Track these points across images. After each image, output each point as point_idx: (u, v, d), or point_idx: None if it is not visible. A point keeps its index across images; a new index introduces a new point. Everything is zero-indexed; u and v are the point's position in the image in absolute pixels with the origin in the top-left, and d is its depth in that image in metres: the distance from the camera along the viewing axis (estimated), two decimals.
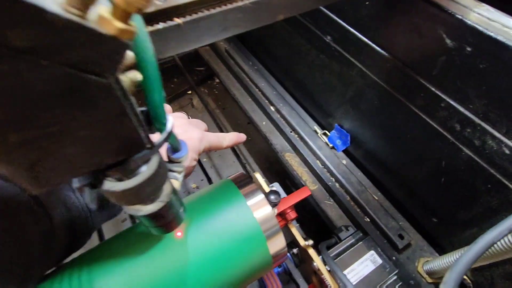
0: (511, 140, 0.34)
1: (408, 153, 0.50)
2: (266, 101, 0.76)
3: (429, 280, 0.49)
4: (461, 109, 0.38)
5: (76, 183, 0.15)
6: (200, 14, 0.20)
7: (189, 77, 0.83)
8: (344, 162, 0.64)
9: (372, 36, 0.46)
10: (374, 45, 0.46)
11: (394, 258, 0.51)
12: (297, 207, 0.45)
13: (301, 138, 0.68)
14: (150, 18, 0.19)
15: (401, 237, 0.53)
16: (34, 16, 0.08)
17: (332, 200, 0.62)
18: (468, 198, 0.43)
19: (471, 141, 0.38)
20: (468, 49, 0.34)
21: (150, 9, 0.18)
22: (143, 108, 0.17)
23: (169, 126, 0.18)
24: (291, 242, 0.46)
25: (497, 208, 0.40)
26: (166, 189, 0.21)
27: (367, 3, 0.44)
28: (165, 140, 0.18)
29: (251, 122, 0.78)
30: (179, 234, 0.30)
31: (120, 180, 0.17)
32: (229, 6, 0.21)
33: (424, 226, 0.54)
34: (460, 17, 0.33)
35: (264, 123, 0.75)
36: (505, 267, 0.42)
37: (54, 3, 0.09)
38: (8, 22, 0.08)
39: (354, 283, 0.37)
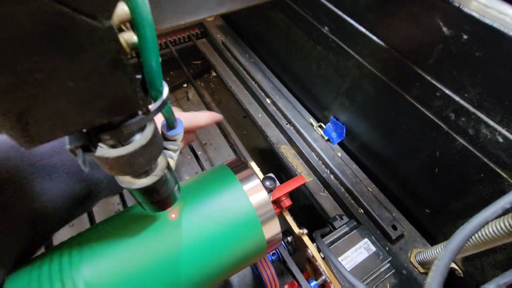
0: (504, 128, 0.35)
1: (403, 145, 0.51)
2: (263, 93, 0.76)
3: (421, 270, 0.50)
4: (456, 98, 0.38)
5: (68, 144, 0.15)
6: None
7: (185, 70, 0.82)
8: (339, 154, 0.64)
9: (370, 26, 0.46)
10: (371, 35, 0.46)
11: (387, 248, 0.51)
12: (293, 199, 0.45)
13: (297, 131, 0.68)
14: None
15: (394, 228, 0.53)
16: None
17: (326, 192, 0.62)
18: (461, 188, 0.43)
19: (466, 130, 0.39)
20: (465, 37, 0.34)
21: None
22: (138, 76, 0.17)
23: (165, 93, 0.18)
24: (286, 231, 0.46)
25: (489, 198, 0.40)
26: (161, 163, 0.21)
27: None
28: (161, 107, 0.17)
29: (247, 115, 0.77)
30: (173, 215, 0.30)
31: (113, 147, 0.17)
32: None
33: (418, 217, 0.55)
34: (457, 5, 0.34)
35: (260, 115, 0.75)
36: (495, 255, 0.43)
37: None
38: None
39: (348, 269, 0.37)
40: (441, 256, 0.22)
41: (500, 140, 0.35)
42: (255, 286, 0.65)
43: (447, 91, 0.39)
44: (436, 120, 0.42)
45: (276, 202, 0.42)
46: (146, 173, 0.20)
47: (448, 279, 0.48)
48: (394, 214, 0.55)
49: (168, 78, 1.12)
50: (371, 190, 0.59)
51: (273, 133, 0.71)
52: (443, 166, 0.44)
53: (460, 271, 0.50)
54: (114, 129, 0.15)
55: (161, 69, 0.16)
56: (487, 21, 0.31)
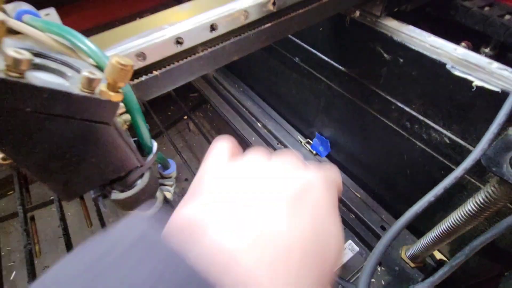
0: (448, 131, 0.41)
1: (378, 152, 0.57)
2: (254, 118, 0.83)
3: (412, 265, 0.54)
4: (407, 109, 0.44)
5: (92, 194, 0.22)
6: (172, 66, 0.28)
7: (182, 105, 0.91)
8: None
9: (330, 55, 0.54)
10: (333, 62, 0.54)
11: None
12: None
13: (288, 149, 0.75)
14: (135, 73, 0.26)
15: (383, 228, 0.58)
16: (66, 97, 0.15)
17: None
18: (429, 185, 0.48)
19: (420, 135, 0.45)
20: (401, 60, 0.41)
21: (135, 67, 0.26)
22: (135, 139, 0.25)
23: (154, 149, 0.25)
24: None
25: (452, 191, 0.45)
26: (159, 196, 0.28)
27: (321, 29, 0.52)
28: (153, 159, 0.25)
29: (242, 140, 0.85)
30: None
31: (123, 191, 0.24)
32: (193, 56, 0.29)
33: None
34: (390, 35, 0.41)
35: (253, 138, 0.82)
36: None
37: (76, 88, 0.16)
38: (52, 100, 0.15)
39: None
40: (378, 244, 0.28)
41: (447, 141, 0.41)
42: None
43: (399, 104, 0.45)
44: (397, 129, 0.48)
45: None
46: (148, 207, 0.27)
47: (436, 270, 0.52)
48: (382, 216, 0.60)
49: (169, 113, 1.21)
50: (359, 195, 0.64)
51: None
52: (411, 167, 0.50)
53: (447, 260, 0.54)
54: (122, 180, 0.22)
55: (149, 135, 0.24)
56: (413, 47, 0.38)
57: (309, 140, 0.74)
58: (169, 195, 0.33)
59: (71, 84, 0.16)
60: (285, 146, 0.75)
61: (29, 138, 0.15)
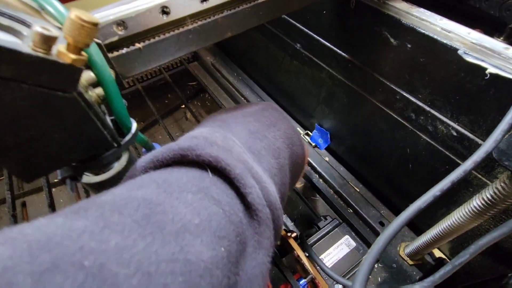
0: (456, 123, 0.38)
1: (379, 145, 0.54)
2: None
3: (410, 262, 0.52)
4: (413, 99, 0.42)
5: (59, 175, 0.20)
6: (156, 39, 0.25)
7: (179, 93, 0.88)
8: (327, 159, 0.67)
9: (333, 41, 0.51)
10: (336, 49, 0.51)
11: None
12: (291, 205, 0.49)
13: None
14: (115, 45, 0.24)
15: (381, 224, 0.56)
16: (14, 56, 0.13)
17: (318, 196, 0.66)
18: (432, 180, 0.46)
19: (426, 127, 0.42)
20: (409, 46, 0.38)
21: (114, 38, 0.23)
22: (112, 117, 0.22)
23: (133, 129, 0.22)
24: None
25: (457, 187, 0.43)
26: None
27: (324, 12, 0.49)
28: (131, 140, 0.22)
29: None
30: None
31: (97, 174, 0.22)
32: (181, 29, 0.26)
33: None
34: (398, 18, 0.38)
35: None
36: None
37: (27, 46, 0.13)
38: None
39: (330, 266, 0.40)
40: (377, 240, 0.26)
41: (454, 134, 0.39)
42: None
43: (404, 94, 0.43)
44: (401, 120, 0.46)
45: None
46: None
47: (439, 268, 0.50)
48: (382, 211, 0.58)
49: (166, 101, 1.18)
50: (358, 190, 0.62)
51: None
52: (414, 161, 0.48)
53: (449, 260, 0.52)
54: (95, 161, 0.20)
55: (126, 112, 0.21)
56: (423, 31, 0.35)
57: (309, 132, 0.71)
58: None
59: (24, 43, 0.14)
60: None
61: None
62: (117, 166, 0.22)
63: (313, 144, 0.70)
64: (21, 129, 0.15)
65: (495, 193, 0.31)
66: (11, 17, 0.16)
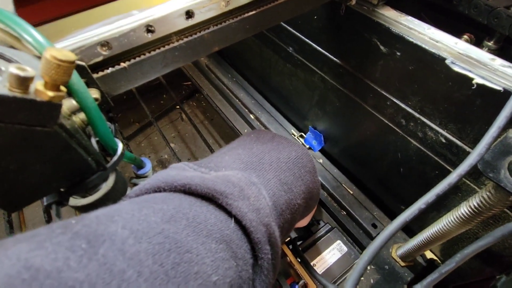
0: (444, 131, 0.38)
1: (372, 148, 0.54)
2: (246, 110, 0.81)
3: (402, 264, 0.53)
4: (403, 105, 0.42)
5: (45, 202, 0.20)
6: (142, 57, 0.25)
7: (173, 94, 0.88)
8: (321, 161, 0.68)
9: (324, 45, 0.51)
10: (327, 53, 0.51)
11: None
12: None
13: None
14: (100, 65, 0.24)
15: (374, 226, 0.57)
16: None
17: None
18: (422, 185, 0.47)
19: (416, 133, 0.42)
20: (398, 53, 0.38)
21: (99, 58, 0.23)
22: (97, 138, 0.22)
23: (119, 151, 0.23)
24: None
25: (447, 193, 0.43)
26: None
27: (315, 17, 0.48)
28: (117, 161, 0.22)
29: (234, 132, 0.82)
30: None
31: (84, 197, 0.22)
32: (167, 47, 0.26)
33: (396, 215, 0.58)
34: (387, 26, 0.38)
35: (246, 130, 0.80)
36: (464, 245, 0.46)
37: (3, 87, 0.13)
38: None
39: (321, 272, 0.41)
40: (369, 247, 0.26)
41: (443, 140, 0.39)
42: None
43: (395, 100, 0.43)
44: (392, 125, 0.46)
45: None
46: None
47: (430, 269, 0.51)
48: (375, 213, 0.59)
49: (161, 102, 1.18)
50: (351, 192, 0.62)
51: None
52: (405, 166, 0.48)
53: (439, 261, 0.53)
54: (79, 186, 0.20)
55: (111, 135, 0.21)
56: (411, 39, 0.36)
57: (303, 134, 0.71)
58: None
59: (1, 83, 0.14)
60: None
61: None
62: (105, 187, 0.22)
63: (307, 146, 0.70)
64: (1, 163, 0.15)
65: (481, 201, 0.32)
66: None
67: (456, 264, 0.30)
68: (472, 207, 0.33)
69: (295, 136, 0.72)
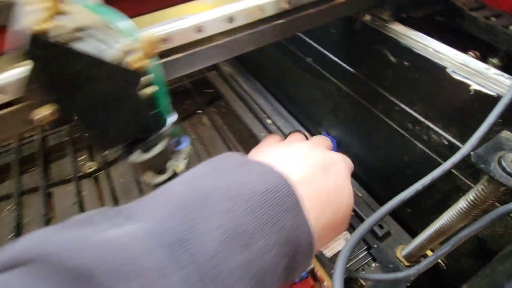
0: (447, 133, 0.43)
1: (381, 153, 0.59)
2: (264, 115, 0.87)
3: (406, 264, 0.56)
4: (410, 110, 0.47)
5: (117, 152, 0.25)
6: (191, 51, 0.31)
7: (197, 98, 0.95)
8: None
9: (341, 56, 0.57)
10: (343, 63, 0.56)
11: (375, 246, 0.58)
12: None
13: None
14: (161, 55, 0.30)
15: (381, 227, 0.60)
16: (100, 63, 0.19)
17: None
18: (428, 187, 0.50)
19: (421, 136, 0.47)
20: (406, 63, 0.43)
21: (163, 48, 0.30)
22: (156, 110, 0.28)
23: (169, 121, 0.28)
24: None
25: (449, 193, 0.47)
26: (171, 166, 0.32)
27: (333, 31, 0.54)
28: (168, 130, 0.28)
29: (251, 135, 0.88)
30: None
31: (144, 152, 0.28)
32: (211, 44, 0.32)
33: (402, 217, 0.61)
34: (396, 38, 0.43)
35: (262, 134, 0.85)
36: (466, 245, 0.49)
37: (110, 56, 0.19)
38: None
39: (328, 257, 0.45)
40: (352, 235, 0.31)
41: (446, 143, 0.43)
42: None
43: (402, 106, 0.47)
44: (400, 130, 0.50)
45: None
46: (162, 171, 0.30)
47: (433, 272, 0.54)
48: None
49: (184, 106, 1.26)
50: (361, 195, 0.66)
51: None
52: (412, 168, 0.52)
53: (443, 264, 0.55)
54: (144, 141, 0.26)
55: (169, 108, 0.27)
56: (418, 51, 0.41)
57: None
58: (178, 169, 0.36)
59: (107, 53, 0.20)
60: None
61: (80, 91, 0.19)
62: (159, 147, 0.28)
63: None
64: (107, 107, 0.21)
65: (476, 194, 0.35)
66: (96, 35, 0.22)
67: (451, 247, 0.34)
68: (469, 200, 0.37)
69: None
